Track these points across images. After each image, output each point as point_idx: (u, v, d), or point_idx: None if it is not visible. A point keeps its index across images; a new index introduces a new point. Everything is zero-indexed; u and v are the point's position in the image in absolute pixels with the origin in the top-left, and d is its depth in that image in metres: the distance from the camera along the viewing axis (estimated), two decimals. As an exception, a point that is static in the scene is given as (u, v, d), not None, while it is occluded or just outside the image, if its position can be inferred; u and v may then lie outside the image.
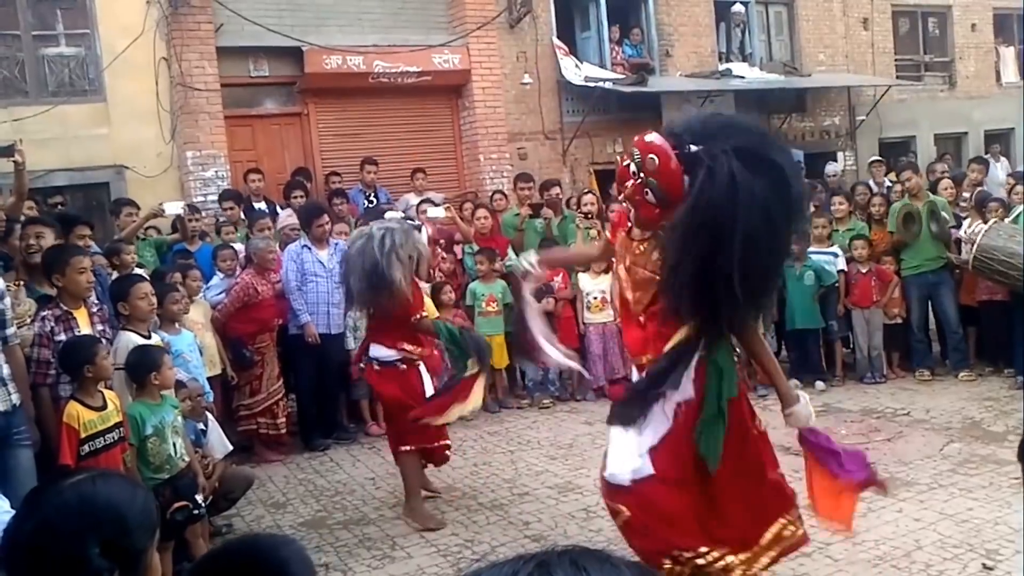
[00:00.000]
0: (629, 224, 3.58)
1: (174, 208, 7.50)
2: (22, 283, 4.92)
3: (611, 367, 8.03)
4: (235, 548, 1.60)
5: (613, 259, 3.88)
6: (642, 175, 3.24)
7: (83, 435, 4.15)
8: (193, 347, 5.90)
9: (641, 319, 3.55)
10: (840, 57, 14.58)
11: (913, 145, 15.05)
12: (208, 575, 1.54)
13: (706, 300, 3.19)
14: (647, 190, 3.24)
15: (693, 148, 3.15)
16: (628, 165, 3.33)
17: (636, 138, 3.35)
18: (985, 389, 7.30)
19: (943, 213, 7.76)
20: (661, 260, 3.36)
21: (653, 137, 3.26)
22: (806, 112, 14.19)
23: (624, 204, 3.52)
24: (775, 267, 3.44)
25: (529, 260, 4.14)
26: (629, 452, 3.44)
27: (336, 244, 7.19)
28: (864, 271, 7.83)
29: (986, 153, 14.04)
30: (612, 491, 3.53)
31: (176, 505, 4.41)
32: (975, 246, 7.19)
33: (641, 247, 3.50)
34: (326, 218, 7.34)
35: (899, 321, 7.91)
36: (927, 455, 5.83)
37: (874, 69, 14.84)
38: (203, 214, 8.54)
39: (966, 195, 8.42)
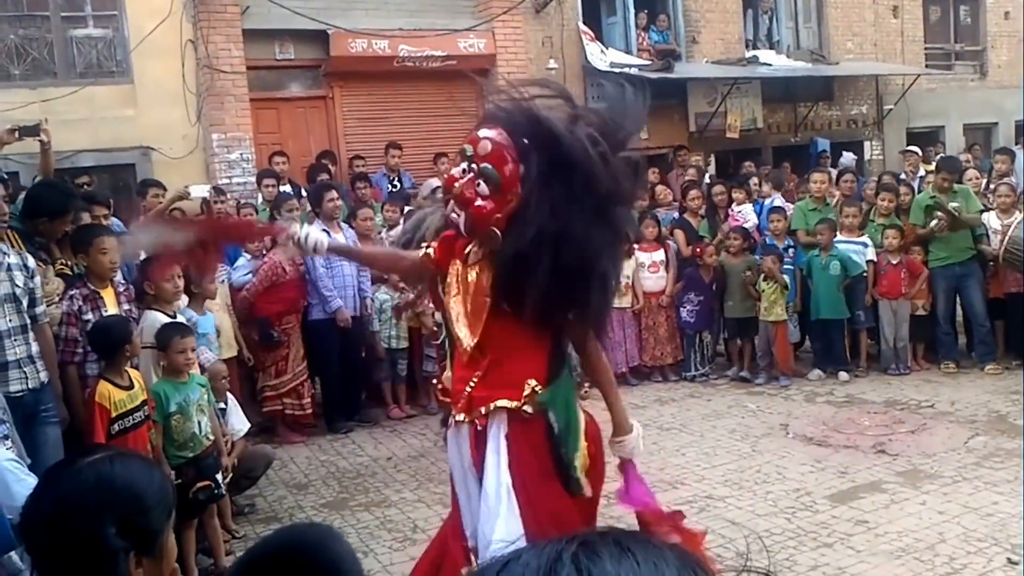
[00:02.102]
0: (464, 251, 3.19)
1: (200, 191, 7.53)
2: (59, 263, 4.97)
3: (628, 354, 8.02)
4: (283, 544, 1.54)
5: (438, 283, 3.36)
6: (475, 165, 2.97)
7: (113, 414, 4.20)
8: (214, 328, 5.94)
9: (470, 352, 3.11)
10: (869, 45, 14.41)
11: (941, 135, 14.88)
12: (256, 570, 1.50)
13: (554, 298, 2.96)
14: (479, 181, 2.95)
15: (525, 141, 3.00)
16: (457, 169, 3.05)
17: (468, 136, 3.10)
18: (1012, 382, 7.21)
19: (961, 204, 7.63)
20: (495, 276, 3.02)
21: (484, 130, 3.05)
22: (833, 101, 14.06)
23: (455, 215, 3.08)
24: (594, 261, 3.01)
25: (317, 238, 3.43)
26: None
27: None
28: (895, 262, 7.75)
29: (1016, 143, 13.85)
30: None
31: (199, 485, 4.45)
32: (1006, 238, 7.12)
33: (473, 273, 3.11)
34: (335, 194, 7.36)
35: (923, 313, 7.84)
36: (951, 448, 5.78)
37: (903, 58, 14.65)
38: (228, 196, 8.58)
39: (993, 186, 8.32)
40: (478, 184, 2.95)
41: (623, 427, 3.27)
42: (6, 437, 3.74)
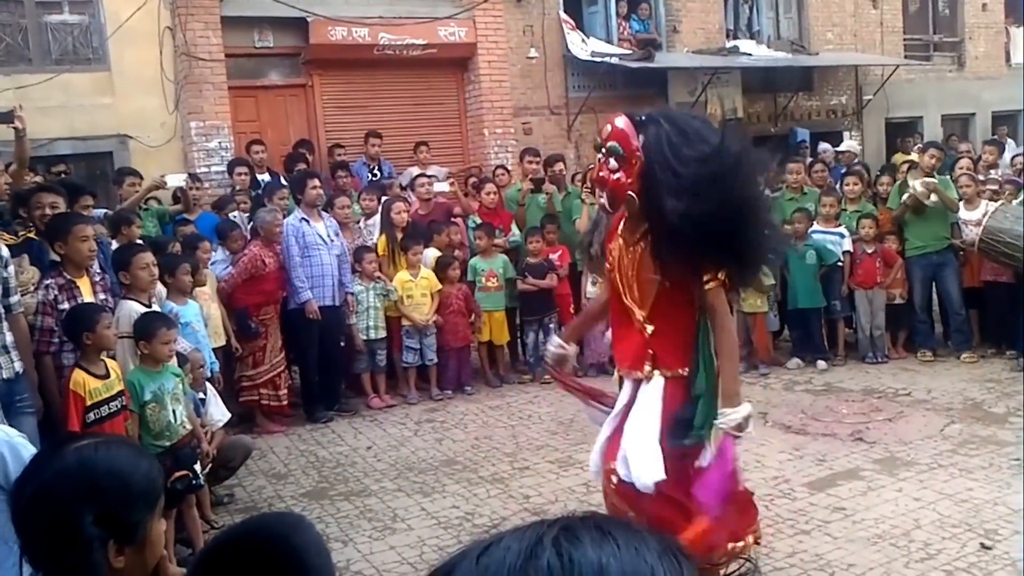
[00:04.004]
0: (619, 232, 3.59)
1: (176, 180, 7.49)
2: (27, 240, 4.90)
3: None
4: (245, 534, 1.52)
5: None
6: (603, 149, 3.40)
7: (88, 403, 4.17)
8: (200, 318, 5.94)
9: (641, 321, 3.49)
10: (848, 36, 14.47)
11: (920, 126, 14.97)
12: (217, 564, 1.48)
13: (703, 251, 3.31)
14: (609, 160, 3.36)
15: (642, 117, 3.44)
16: (595, 164, 3.51)
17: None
18: (987, 370, 7.30)
19: (930, 180, 7.69)
20: (653, 236, 3.38)
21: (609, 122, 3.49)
22: (813, 91, 14.10)
23: (600, 198, 3.55)
24: (737, 221, 3.29)
25: (557, 344, 3.98)
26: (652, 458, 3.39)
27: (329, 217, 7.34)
28: (870, 251, 7.81)
29: (993, 135, 13.97)
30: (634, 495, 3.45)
31: (177, 474, 4.43)
32: (981, 227, 7.18)
33: (637, 250, 3.47)
34: (318, 182, 7.36)
35: (900, 302, 7.90)
36: (927, 435, 5.84)
37: (882, 48, 14.72)
38: (205, 184, 8.52)
39: (980, 177, 8.35)
40: (608, 162, 3.37)
41: (730, 396, 3.38)
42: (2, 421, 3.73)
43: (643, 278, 3.45)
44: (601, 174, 3.40)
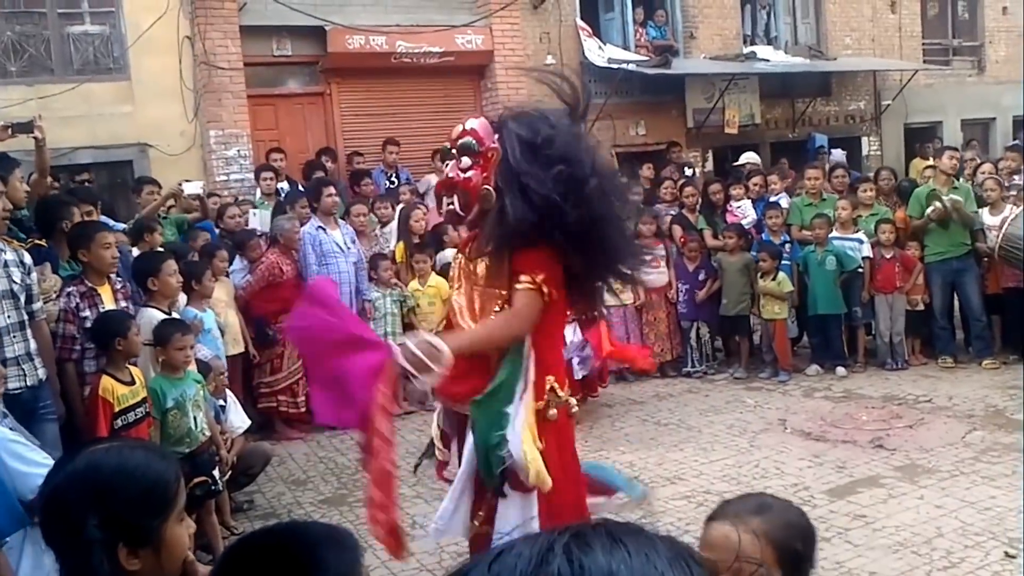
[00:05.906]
0: (467, 246, 3.30)
1: (193, 188, 7.54)
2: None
3: (633, 351, 8.02)
4: (271, 534, 1.52)
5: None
6: (453, 151, 3.12)
7: (116, 409, 4.21)
8: (215, 324, 5.99)
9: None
10: (867, 41, 14.40)
11: (939, 131, 14.87)
12: (243, 562, 1.46)
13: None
14: (461, 159, 3.07)
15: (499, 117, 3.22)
16: (443, 172, 3.20)
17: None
18: (1009, 377, 7.22)
19: (957, 198, 7.64)
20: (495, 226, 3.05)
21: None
22: (831, 96, 14.05)
23: (449, 204, 3.15)
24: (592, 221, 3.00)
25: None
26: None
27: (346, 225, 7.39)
28: (889, 256, 7.76)
29: (1014, 139, 13.85)
30: None
31: (196, 480, 4.46)
32: (1001, 234, 7.13)
33: (481, 266, 3.13)
34: (334, 190, 7.41)
35: (921, 307, 7.84)
36: (949, 442, 5.79)
37: (901, 53, 14.64)
38: (224, 193, 8.57)
39: (1005, 183, 8.28)
40: (460, 161, 3.09)
41: (454, 342, 2.86)
42: (6, 415, 3.76)
43: (487, 295, 3.10)
44: (450, 175, 3.09)
